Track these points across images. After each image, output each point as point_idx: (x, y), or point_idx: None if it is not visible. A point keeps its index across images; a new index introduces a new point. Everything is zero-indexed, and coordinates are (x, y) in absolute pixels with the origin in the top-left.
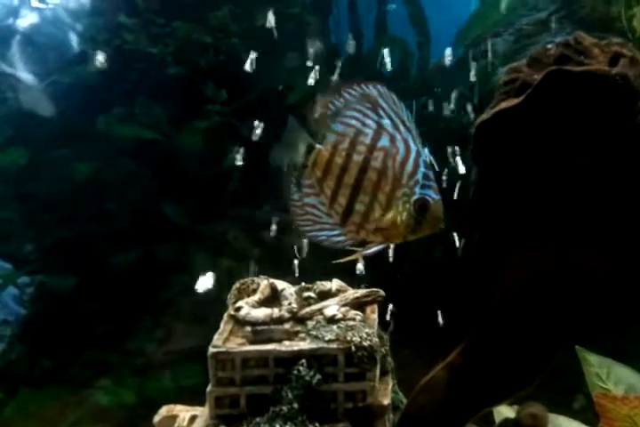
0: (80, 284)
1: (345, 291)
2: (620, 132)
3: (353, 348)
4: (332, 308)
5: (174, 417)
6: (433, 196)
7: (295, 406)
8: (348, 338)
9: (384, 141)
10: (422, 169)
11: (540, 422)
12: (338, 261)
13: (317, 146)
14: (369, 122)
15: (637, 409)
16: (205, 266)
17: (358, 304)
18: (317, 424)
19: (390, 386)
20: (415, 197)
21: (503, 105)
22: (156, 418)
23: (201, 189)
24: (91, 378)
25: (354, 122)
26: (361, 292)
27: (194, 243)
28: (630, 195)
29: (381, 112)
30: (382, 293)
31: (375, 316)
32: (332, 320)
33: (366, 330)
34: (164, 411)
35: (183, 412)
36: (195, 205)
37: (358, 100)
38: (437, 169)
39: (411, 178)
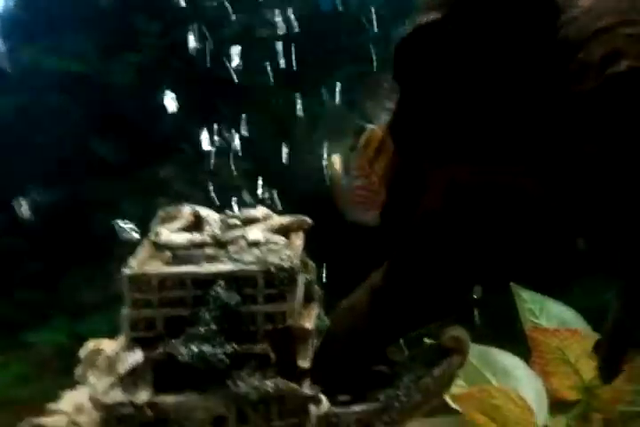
0: (6, 221)
1: (271, 218)
2: (542, 47)
3: (272, 269)
4: (255, 233)
5: (100, 351)
6: None
7: (213, 327)
8: (268, 260)
9: None
10: None
11: (461, 344)
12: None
13: (369, 126)
14: None
15: (568, 341)
16: (138, 206)
17: (284, 230)
18: (235, 345)
19: (315, 312)
20: None
21: (423, 20)
22: (82, 352)
23: (134, 126)
24: (21, 318)
25: None
26: (287, 219)
27: (126, 182)
28: (557, 111)
29: None
30: (309, 220)
31: (300, 242)
32: (254, 244)
33: (287, 252)
34: (90, 345)
35: (109, 346)
36: (128, 143)
37: None
38: None
39: None
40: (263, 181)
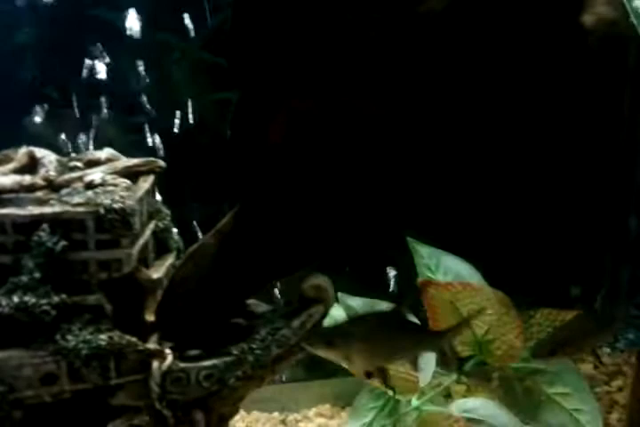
0: None
1: (117, 160)
2: None
3: (102, 211)
4: (94, 175)
5: None
6: None
7: (37, 275)
8: (98, 201)
9: None
10: None
11: (322, 294)
12: None
13: None
14: None
15: (460, 295)
16: None
17: (130, 173)
18: (64, 296)
19: (169, 263)
20: None
21: None
22: None
23: None
24: None
25: None
26: (134, 161)
27: None
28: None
29: None
30: (161, 163)
31: (147, 185)
32: (89, 186)
33: (121, 193)
34: None
35: None
36: None
37: None
38: None
39: None
40: (135, 129)
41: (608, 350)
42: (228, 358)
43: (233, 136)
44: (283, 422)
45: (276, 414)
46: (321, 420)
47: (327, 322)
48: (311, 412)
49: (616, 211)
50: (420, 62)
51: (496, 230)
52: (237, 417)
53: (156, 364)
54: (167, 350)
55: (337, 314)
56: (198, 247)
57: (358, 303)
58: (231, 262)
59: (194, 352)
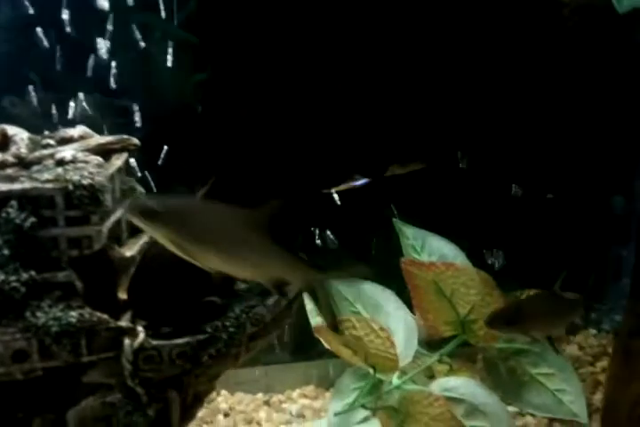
0: None
1: (90, 137)
2: None
3: (71, 187)
4: (65, 152)
5: None
6: None
7: (5, 252)
8: (68, 177)
9: None
10: None
11: None
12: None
13: None
14: None
15: (443, 275)
16: None
17: (103, 151)
18: (34, 273)
19: (143, 241)
20: None
21: None
22: None
23: None
24: None
25: None
26: (107, 138)
27: None
28: None
29: None
30: (135, 140)
31: (120, 162)
32: (60, 163)
33: (92, 170)
34: None
35: None
36: None
37: None
38: None
39: None
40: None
41: (594, 331)
42: (201, 336)
43: (205, 113)
44: (266, 402)
45: (260, 395)
46: (305, 401)
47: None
48: (295, 393)
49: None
50: None
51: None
52: (220, 398)
53: (127, 341)
54: (139, 328)
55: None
56: None
57: (343, 284)
58: None
59: (167, 330)
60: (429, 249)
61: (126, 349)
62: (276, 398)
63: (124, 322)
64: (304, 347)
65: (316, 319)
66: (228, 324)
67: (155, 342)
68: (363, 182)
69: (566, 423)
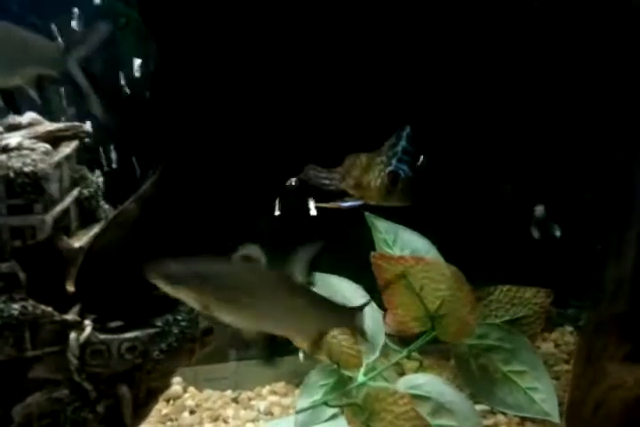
0: None
1: (39, 124)
2: None
3: (12, 174)
4: (11, 139)
5: None
6: (406, 172)
7: None
8: (9, 164)
9: None
10: (404, 143)
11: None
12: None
13: None
14: None
15: (413, 269)
16: None
17: (53, 139)
18: None
19: (94, 233)
20: (390, 169)
21: None
22: None
23: None
24: None
25: None
26: (57, 125)
27: None
28: None
29: None
30: (86, 127)
31: (69, 150)
32: (4, 150)
33: (35, 157)
34: None
35: None
36: None
37: None
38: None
39: (391, 148)
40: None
41: (570, 328)
42: (151, 330)
43: (154, 98)
44: (235, 400)
45: (228, 392)
46: (274, 398)
47: None
48: (265, 390)
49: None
50: None
51: None
52: (187, 395)
53: (73, 335)
54: (86, 322)
55: None
56: (119, 214)
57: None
58: (154, 229)
59: (116, 324)
60: (401, 243)
61: (72, 343)
62: (245, 395)
63: (70, 315)
64: (276, 344)
65: None
66: (179, 318)
67: (102, 336)
68: (352, 204)
69: (538, 422)
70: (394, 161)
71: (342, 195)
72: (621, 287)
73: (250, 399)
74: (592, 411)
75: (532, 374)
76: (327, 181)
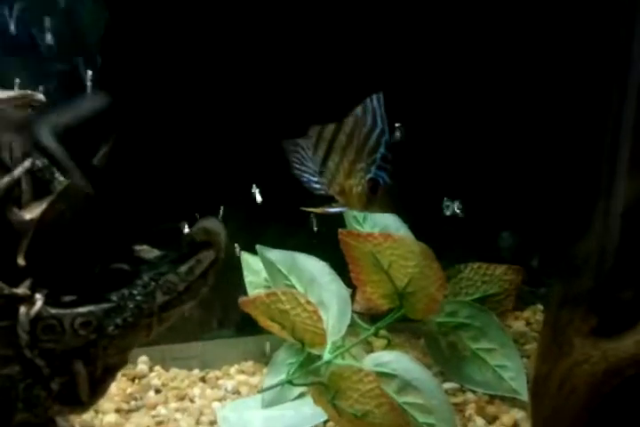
0: None
1: None
2: None
3: None
4: None
5: None
6: (386, 179)
7: None
8: None
9: (357, 110)
10: (382, 150)
11: (213, 237)
12: (308, 209)
13: None
14: None
15: (381, 246)
16: None
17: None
18: None
19: (44, 207)
20: (369, 176)
21: None
22: None
23: None
24: None
25: None
26: (8, 93)
27: None
28: None
29: None
30: (40, 96)
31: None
32: None
33: None
34: None
35: None
36: None
37: None
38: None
39: (370, 155)
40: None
41: (542, 307)
42: (106, 305)
43: (104, 62)
44: (202, 379)
45: (196, 371)
46: (242, 377)
47: (246, 275)
48: (233, 369)
49: None
50: None
51: None
52: (153, 374)
53: (23, 309)
54: (37, 295)
55: (257, 267)
56: (70, 184)
57: (277, 256)
58: (105, 200)
59: (69, 298)
60: (372, 220)
61: (22, 317)
62: (212, 374)
63: (20, 289)
64: (248, 323)
65: (254, 291)
66: (135, 292)
67: (54, 311)
68: (338, 210)
69: (507, 400)
70: (373, 168)
71: (332, 199)
72: (588, 262)
73: (217, 379)
74: (557, 386)
75: (500, 352)
76: (318, 186)
